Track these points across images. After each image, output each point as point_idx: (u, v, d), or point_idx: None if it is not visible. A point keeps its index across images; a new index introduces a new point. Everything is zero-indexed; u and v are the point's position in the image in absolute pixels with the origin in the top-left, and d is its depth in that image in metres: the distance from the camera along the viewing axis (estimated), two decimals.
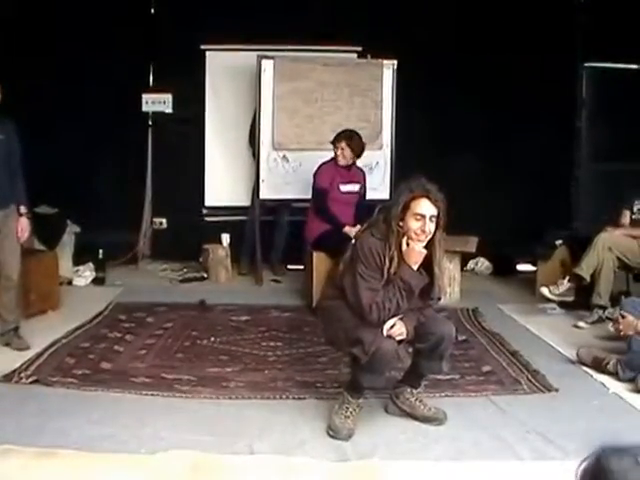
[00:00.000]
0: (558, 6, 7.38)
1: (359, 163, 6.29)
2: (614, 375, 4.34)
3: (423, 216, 3.58)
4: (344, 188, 6.16)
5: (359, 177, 6.29)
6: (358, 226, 5.90)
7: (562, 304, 5.89)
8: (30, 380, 4.17)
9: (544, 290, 5.74)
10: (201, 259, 7.24)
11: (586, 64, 7.76)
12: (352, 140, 6.07)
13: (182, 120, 7.51)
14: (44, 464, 3.19)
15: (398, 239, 3.60)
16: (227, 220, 7.48)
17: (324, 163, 6.19)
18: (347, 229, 5.94)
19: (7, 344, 4.74)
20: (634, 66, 7.59)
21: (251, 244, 7.09)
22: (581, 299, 5.78)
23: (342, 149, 6.06)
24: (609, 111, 7.50)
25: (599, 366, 4.46)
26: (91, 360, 4.60)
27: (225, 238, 7.16)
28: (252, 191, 7.23)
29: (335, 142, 6.10)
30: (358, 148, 6.12)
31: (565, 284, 5.65)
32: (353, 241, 3.83)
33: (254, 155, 7.21)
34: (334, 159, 6.14)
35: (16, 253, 4.73)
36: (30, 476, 3.13)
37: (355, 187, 6.23)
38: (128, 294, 6.35)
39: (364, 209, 6.23)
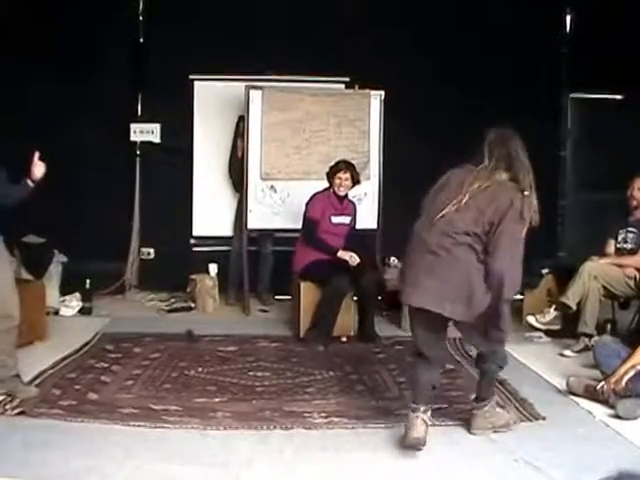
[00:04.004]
0: (543, 38, 7.49)
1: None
2: (606, 402, 4.35)
3: None
4: (335, 220, 6.19)
5: (350, 209, 6.33)
6: (351, 253, 5.95)
7: (548, 333, 5.91)
8: (15, 412, 4.13)
9: (531, 319, 5.76)
10: (188, 289, 7.22)
11: (571, 95, 7.86)
12: (354, 169, 6.16)
13: (170, 150, 7.54)
14: None
15: None
16: (215, 250, 7.47)
17: (318, 193, 6.23)
18: (340, 253, 5.99)
19: (9, 394, 4.30)
20: (618, 96, 7.69)
21: (238, 274, 7.09)
22: (568, 327, 5.79)
23: (346, 179, 6.12)
24: (594, 141, 7.60)
25: (592, 394, 4.46)
26: (77, 391, 4.56)
27: (213, 268, 7.15)
28: (234, 221, 7.25)
29: (336, 172, 6.14)
30: (357, 177, 6.21)
31: (552, 313, 5.67)
32: (520, 195, 3.71)
33: (234, 187, 7.25)
34: (329, 190, 6.19)
35: (14, 290, 4.38)
36: None
37: (346, 219, 6.27)
38: (115, 324, 6.33)
39: (353, 240, 6.27)
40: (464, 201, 3.70)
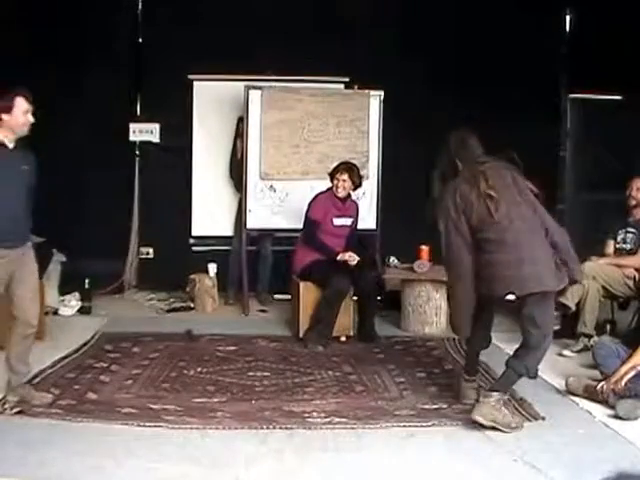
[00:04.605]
0: (543, 38, 7.48)
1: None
2: (606, 403, 4.35)
3: None
4: (337, 222, 6.17)
5: (353, 211, 6.31)
6: (350, 252, 5.95)
7: None
8: (14, 411, 4.13)
9: None
10: (188, 289, 7.21)
11: (571, 95, 7.86)
12: (352, 172, 6.11)
13: (169, 149, 7.53)
14: None
15: None
16: (214, 250, 7.46)
17: (321, 193, 6.21)
18: (340, 256, 5.99)
19: (22, 400, 4.21)
20: (617, 97, 7.69)
21: (237, 274, 7.09)
22: (567, 327, 5.79)
23: (343, 180, 6.09)
24: (593, 141, 7.59)
25: (592, 394, 4.46)
26: (76, 390, 4.57)
27: (212, 268, 7.14)
28: (234, 221, 7.24)
29: (335, 174, 6.12)
30: (358, 179, 6.16)
31: None
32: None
33: (236, 187, 7.23)
34: (331, 190, 6.16)
35: (36, 296, 4.34)
36: None
37: (348, 221, 6.24)
38: (114, 324, 6.32)
39: (354, 240, 6.27)
40: (495, 197, 4.06)
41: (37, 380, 4.64)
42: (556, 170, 7.86)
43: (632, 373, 4.31)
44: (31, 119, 4.21)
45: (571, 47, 7.78)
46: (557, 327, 5.80)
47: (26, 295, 4.24)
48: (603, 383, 4.41)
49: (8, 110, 4.12)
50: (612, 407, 4.27)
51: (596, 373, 4.71)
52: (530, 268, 4.01)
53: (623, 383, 4.29)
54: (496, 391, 4.10)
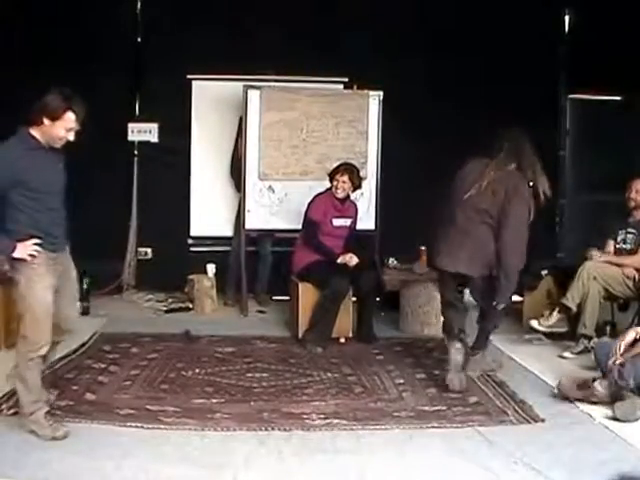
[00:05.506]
0: (542, 38, 7.48)
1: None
2: (601, 403, 4.33)
3: None
4: (337, 222, 6.16)
5: (352, 211, 6.31)
6: (350, 254, 5.94)
7: (548, 335, 5.88)
8: (12, 411, 4.11)
9: (533, 322, 5.71)
10: (186, 289, 7.20)
11: (570, 95, 7.86)
12: (352, 173, 6.11)
13: (168, 150, 7.51)
14: None
15: None
16: (213, 250, 7.45)
17: (320, 194, 6.21)
18: (340, 259, 5.98)
19: None
20: (617, 97, 7.69)
21: (236, 275, 7.07)
22: (568, 329, 5.76)
23: (343, 182, 6.09)
24: (593, 142, 7.59)
25: (585, 393, 4.42)
26: (75, 391, 4.55)
27: (210, 268, 7.13)
28: (234, 222, 7.23)
29: (335, 174, 6.12)
30: (357, 181, 6.17)
31: (555, 315, 5.63)
32: (526, 184, 4.70)
33: (237, 187, 7.20)
34: (330, 191, 6.16)
35: (76, 303, 4.24)
36: None
37: (347, 221, 6.25)
38: (112, 324, 6.31)
39: (352, 241, 6.26)
40: (483, 185, 4.66)
41: None
42: (556, 170, 7.85)
43: (632, 334, 4.41)
44: (70, 138, 3.96)
45: (571, 47, 7.77)
46: (564, 329, 5.78)
47: (66, 301, 4.09)
48: (600, 379, 4.40)
49: (53, 119, 3.87)
50: (609, 403, 4.27)
51: (592, 375, 4.70)
52: (466, 254, 4.70)
53: (622, 349, 4.40)
54: (478, 348, 4.99)
